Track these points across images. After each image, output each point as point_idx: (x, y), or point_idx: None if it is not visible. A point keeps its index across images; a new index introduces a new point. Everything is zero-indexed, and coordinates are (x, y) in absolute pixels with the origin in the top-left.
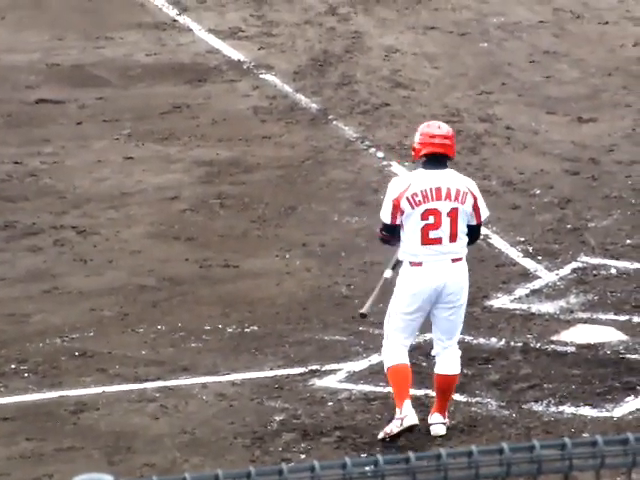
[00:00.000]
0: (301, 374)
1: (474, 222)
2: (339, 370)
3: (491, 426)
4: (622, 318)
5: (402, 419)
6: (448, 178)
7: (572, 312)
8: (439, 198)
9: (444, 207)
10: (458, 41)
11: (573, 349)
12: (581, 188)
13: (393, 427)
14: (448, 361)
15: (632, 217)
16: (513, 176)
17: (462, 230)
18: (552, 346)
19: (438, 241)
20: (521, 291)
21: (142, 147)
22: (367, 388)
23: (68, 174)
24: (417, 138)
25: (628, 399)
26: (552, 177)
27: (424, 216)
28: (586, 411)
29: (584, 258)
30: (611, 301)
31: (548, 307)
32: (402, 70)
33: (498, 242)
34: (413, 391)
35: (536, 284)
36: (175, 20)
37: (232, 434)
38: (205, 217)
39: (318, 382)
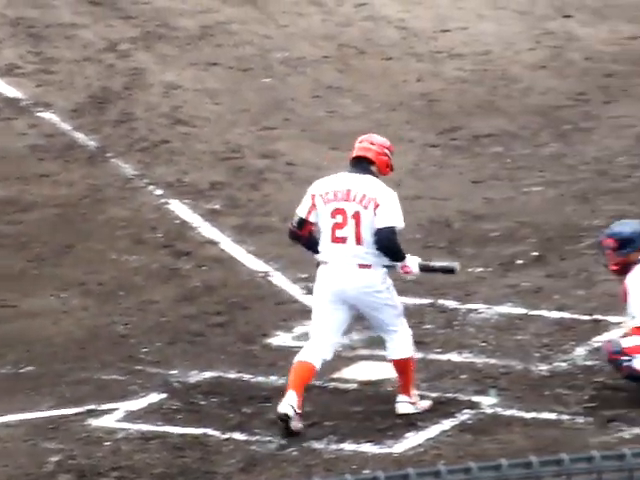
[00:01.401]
0: (78, 414)
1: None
2: (116, 409)
3: (271, 464)
4: None
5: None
6: (361, 182)
7: (354, 349)
8: (347, 199)
9: (350, 208)
10: (240, 77)
11: (354, 386)
12: None
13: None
14: (393, 348)
15: (416, 253)
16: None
17: (367, 235)
18: (333, 383)
19: (343, 240)
20: (301, 329)
21: None
22: (145, 427)
23: None
24: None
25: (408, 435)
26: None
27: (333, 214)
28: (367, 448)
29: None
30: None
31: None
32: (183, 107)
33: (279, 279)
34: (192, 430)
35: None
36: None
37: (5, 477)
38: None
39: (95, 422)
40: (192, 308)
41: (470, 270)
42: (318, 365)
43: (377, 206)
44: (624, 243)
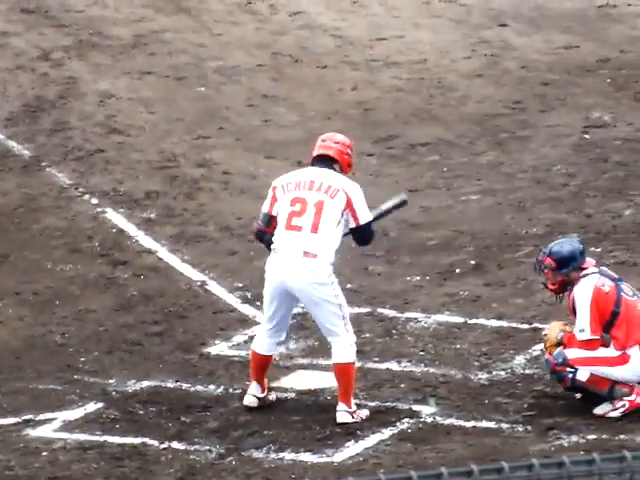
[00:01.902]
0: (15, 424)
1: (353, 225)
2: (54, 419)
3: (210, 474)
4: None
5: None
6: (325, 175)
7: (292, 358)
8: (310, 189)
9: (312, 197)
10: (175, 86)
11: (293, 395)
12: None
13: None
14: (335, 352)
15: (354, 262)
16: (231, 222)
17: (327, 225)
18: (272, 392)
19: (298, 229)
20: (240, 337)
21: None
22: (82, 437)
23: None
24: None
25: (348, 444)
26: None
27: (292, 202)
28: (307, 457)
29: None
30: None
31: None
32: (117, 116)
33: (216, 288)
34: (131, 439)
35: (255, 330)
36: None
37: None
38: None
39: (32, 432)
40: (129, 317)
41: (408, 279)
42: (273, 351)
43: (349, 201)
44: (563, 263)
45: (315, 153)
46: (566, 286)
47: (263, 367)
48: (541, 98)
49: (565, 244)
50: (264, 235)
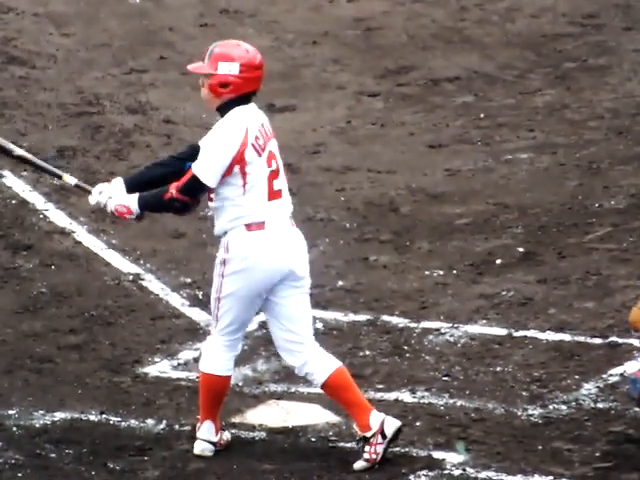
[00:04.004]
0: None
1: None
2: None
3: None
4: None
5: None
6: (259, 112)
7: (261, 383)
8: (269, 137)
9: (275, 148)
10: None
11: (263, 435)
12: None
13: None
14: (323, 361)
15: (347, 248)
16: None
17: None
18: (234, 431)
19: (279, 194)
20: (188, 353)
21: None
22: None
23: None
24: (236, 69)
25: None
26: None
27: (269, 162)
28: None
29: None
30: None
31: None
32: (18, 39)
33: (155, 285)
34: None
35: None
36: None
37: None
38: None
39: None
40: (36, 323)
41: (427, 273)
42: (232, 371)
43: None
44: None
45: (252, 87)
46: None
47: (223, 396)
48: (626, 10)
49: None
50: (191, 207)
